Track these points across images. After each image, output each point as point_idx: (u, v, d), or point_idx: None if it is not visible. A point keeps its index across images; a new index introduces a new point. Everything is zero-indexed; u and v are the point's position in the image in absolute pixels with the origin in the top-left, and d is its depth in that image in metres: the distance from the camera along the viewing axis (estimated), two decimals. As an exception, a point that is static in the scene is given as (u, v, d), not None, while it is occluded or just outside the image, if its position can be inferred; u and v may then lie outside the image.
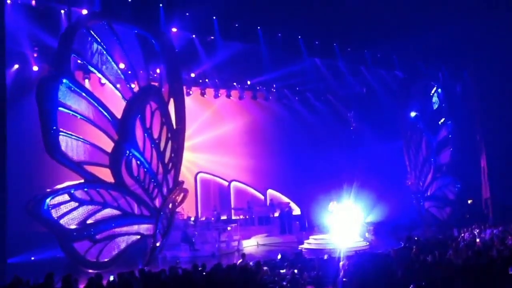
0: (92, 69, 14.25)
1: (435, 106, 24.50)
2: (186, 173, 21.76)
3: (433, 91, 24.57)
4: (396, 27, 19.33)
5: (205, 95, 22.56)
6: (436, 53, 22.80)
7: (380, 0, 18.47)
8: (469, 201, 24.95)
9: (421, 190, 23.58)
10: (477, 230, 17.35)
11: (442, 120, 24.23)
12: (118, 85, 14.36)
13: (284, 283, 9.19)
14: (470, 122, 25.35)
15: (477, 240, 14.85)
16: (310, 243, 18.64)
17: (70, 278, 8.74)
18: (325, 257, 11.98)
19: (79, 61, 13.87)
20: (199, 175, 22.45)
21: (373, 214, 22.05)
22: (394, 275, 8.34)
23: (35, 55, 17.21)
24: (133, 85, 14.71)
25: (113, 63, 14.17)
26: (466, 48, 21.89)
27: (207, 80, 22.10)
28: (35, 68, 17.34)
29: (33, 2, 15.78)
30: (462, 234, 16.85)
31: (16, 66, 17.16)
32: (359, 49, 22.60)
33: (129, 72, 14.79)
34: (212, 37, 19.47)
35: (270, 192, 23.57)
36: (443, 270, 8.15)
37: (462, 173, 23.95)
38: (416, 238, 15.92)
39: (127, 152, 14.00)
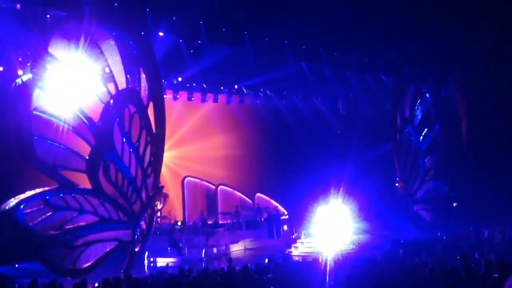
0: (68, 72, 13.73)
1: (423, 110, 24.67)
2: (180, 171, 21.81)
3: (421, 95, 24.75)
4: (381, 32, 19.50)
5: (192, 99, 22.50)
6: (421, 57, 22.99)
7: (366, 5, 18.61)
8: (454, 204, 25.13)
9: (410, 193, 23.69)
10: (463, 233, 17.54)
11: (429, 125, 24.43)
12: (96, 88, 14.01)
13: (272, 287, 9.16)
14: (457, 126, 25.56)
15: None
16: (298, 247, 18.66)
17: (56, 284, 8.66)
18: (312, 260, 11.98)
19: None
20: (186, 179, 22.32)
21: (361, 217, 22.08)
22: (382, 278, 8.36)
23: (20, 59, 16.98)
24: (111, 89, 14.33)
25: (90, 66, 13.77)
26: (450, 52, 22.13)
27: (194, 84, 22.06)
28: (20, 72, 17.11)
29: (18, 6, 15.59)
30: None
31: (0, 68, 16.95)
32: (346, 53, 22.70)
33: (108, 75, 14.45)
34: (199, 41, 19.42)
35: (259, 196, 23.54)
36: (429, 272, 8.19)
37: (449, 176, 24.13)
38: (402, 241, 15.98)
39: (105, 156, 13.61)
